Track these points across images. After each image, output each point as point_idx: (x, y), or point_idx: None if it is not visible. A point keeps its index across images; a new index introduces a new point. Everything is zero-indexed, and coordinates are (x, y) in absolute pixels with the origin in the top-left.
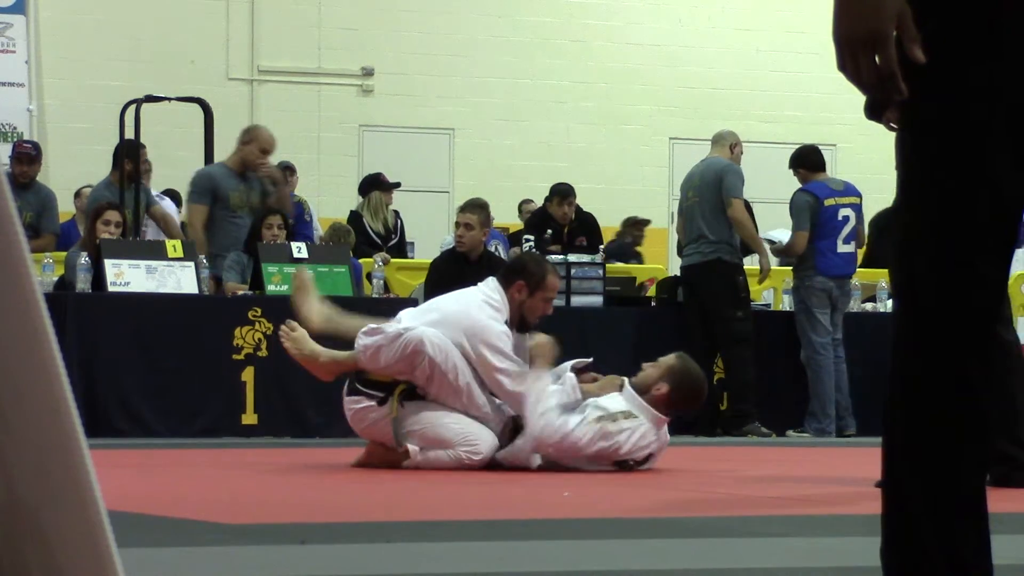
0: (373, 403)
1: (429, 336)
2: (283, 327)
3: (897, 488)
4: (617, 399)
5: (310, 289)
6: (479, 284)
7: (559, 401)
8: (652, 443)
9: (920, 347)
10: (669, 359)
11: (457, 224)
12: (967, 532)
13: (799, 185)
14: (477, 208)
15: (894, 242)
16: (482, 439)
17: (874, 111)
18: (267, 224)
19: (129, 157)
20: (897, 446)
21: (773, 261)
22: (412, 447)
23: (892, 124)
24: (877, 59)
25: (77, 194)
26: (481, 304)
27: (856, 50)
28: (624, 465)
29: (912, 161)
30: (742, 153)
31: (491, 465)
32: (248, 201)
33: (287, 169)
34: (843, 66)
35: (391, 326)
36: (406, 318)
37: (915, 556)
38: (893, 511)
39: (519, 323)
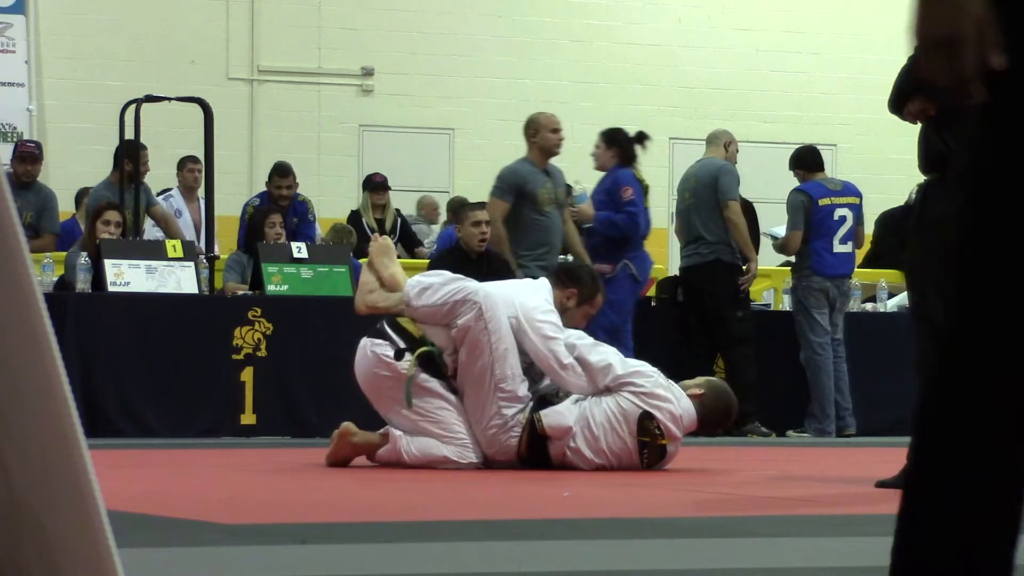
0: (390, 353)
1: (485, 290)
2: (378, 244)
3: (923, 491)
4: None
5: (389, 251)
6: (532, 280)
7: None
8: (677, 412)
9: (958, 356)
10: (708, 377)
11: (477, 223)
12: (990, 547)
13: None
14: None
15: (942, 244)
16: (475, 450)
17: (897, 106)
18: (269, 223)
19: (129, 157)
20: (928, 449)
21: (773, 257)
22: (395, 432)
23: (915, 118)
24: (957, 61)
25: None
26: (540, 291)
27: (935, 51)
28: (646, 430)
29: (985, 164)
30: (737, 151)
31: (491, 465)
32: (555, 198)
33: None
34: (920, 66)
35: (447, 272)
36: None
37: (933, 561)
38: (915, 514)
39: None
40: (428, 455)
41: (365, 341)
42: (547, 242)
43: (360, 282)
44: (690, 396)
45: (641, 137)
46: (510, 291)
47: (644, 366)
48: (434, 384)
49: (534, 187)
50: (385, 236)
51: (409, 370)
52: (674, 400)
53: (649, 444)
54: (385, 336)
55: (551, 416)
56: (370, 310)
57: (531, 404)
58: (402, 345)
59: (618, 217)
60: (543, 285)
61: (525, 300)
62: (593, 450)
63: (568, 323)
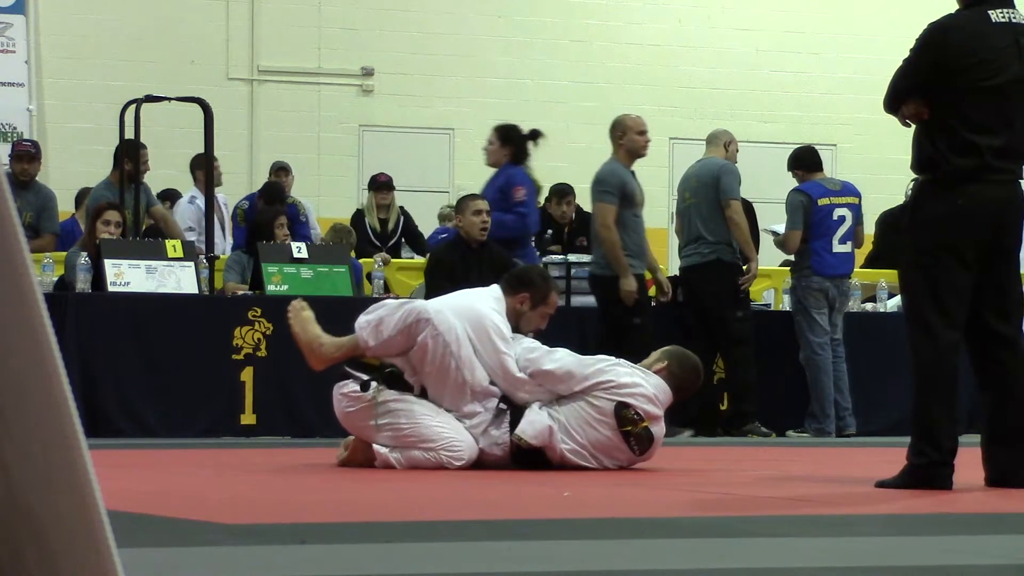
0: (357, 387)
1: (433, 306)
2: (293, 303)
3: None
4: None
5: (307, 312)
6: (482, 288)
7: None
8: (649, 392)
9: None
10: (662, 348)
11: (478, 212)
12: None
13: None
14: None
15: None
16: (465, 444)
17: (893, 106)
18: (279, 223)
19: (129, 157)
20: None
21: (773, 257)
22: (381, 449)
23: (907, 120)
24: None
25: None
26: (487, 300)
27: None
28: (625, 419)
29: None
30: (737, 151)
31: (491, 465)
32: (643, 199)
33: (281, 170)
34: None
35: (391, 301)
36: None
37: None
38: None
39: (512, 331)
40: (415, 464)
41: (334, 389)
42: (641, 242)
43: (304, 342)
44: (656, 372)
45: (535, 135)
46: (459, 303)
47: (603, 361)
48: (406, 396)
49: (632, 187)
50: (301, 300)
51: (374, 396)
52: (643, 382)
53: (632, 432)
54: (347, 375)
55: (527, 429)
56: (328, 364)
57: (507, 420)
58: (365, 377)
59: (508, 218)
60: (493, 295)
61: (474, 315)
62: (586, 454)
63: (527, 327)
